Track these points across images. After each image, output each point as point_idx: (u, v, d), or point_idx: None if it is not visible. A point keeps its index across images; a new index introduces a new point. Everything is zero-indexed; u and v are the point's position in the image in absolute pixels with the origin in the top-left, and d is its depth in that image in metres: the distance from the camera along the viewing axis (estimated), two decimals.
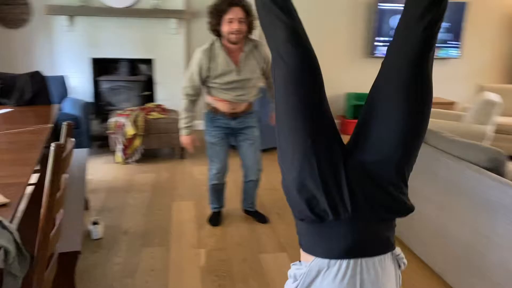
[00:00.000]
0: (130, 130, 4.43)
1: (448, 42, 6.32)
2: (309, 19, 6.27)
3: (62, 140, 1.73)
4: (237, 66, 2.74)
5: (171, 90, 5.85)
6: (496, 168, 2.25)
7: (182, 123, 2.95)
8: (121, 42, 5.58)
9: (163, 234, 3.05)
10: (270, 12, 1.23)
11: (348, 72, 6.24)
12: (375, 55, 6.13)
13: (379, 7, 5.97)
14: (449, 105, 5.98)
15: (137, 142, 4.51)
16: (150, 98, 5.80)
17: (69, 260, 1.86)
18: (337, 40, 6.16)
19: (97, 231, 2.92)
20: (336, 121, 6.33)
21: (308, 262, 1.18)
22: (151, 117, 4.63)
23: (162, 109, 4.90)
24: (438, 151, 2.55)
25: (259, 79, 2.89)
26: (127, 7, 5.43)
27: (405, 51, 1.12)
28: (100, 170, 4.30)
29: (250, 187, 3.19)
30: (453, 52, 6.36)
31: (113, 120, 4.50)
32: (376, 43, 6.09)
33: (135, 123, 4.48)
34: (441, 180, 2.48)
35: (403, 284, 2.49)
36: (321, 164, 1.13)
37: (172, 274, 2.56)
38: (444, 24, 6.22)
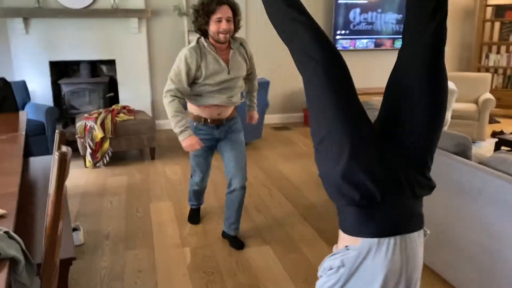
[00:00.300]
0: (98, 133, 4.36)
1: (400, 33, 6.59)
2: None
3: (56, 148, 1.72)
4: (227, 65, 2.65)
5: (135, 91, 5.78)
6: (463, 153, 2.42)
7: (177, 127, 2.57)
8: (81, 43, 5.45)
9: (145, 235, 3.05)
10: (286, 15, 1.28)
11: None
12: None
13: (338, 1, 6.14)
14: None
15: (106, 145, 4.44)
16: (113, 99, 5.71)
17: (64, 266, 1.85)
18: None
19: (78, 237, 2.88)
20: (301, 114, 6.54)
21: (357, 245, 1.24)
22: (119, 119, 4.57)
23: (129, 110, 4.84)
24: None
25: (243, 78, 2.83)
26: (85, 8, 5.30)
27: (423, 48, 1.25)
28: (71, 176, 4.20)
29: (234, 200, 2.85)
30: None
31: (80, 123, 4.41)
32: (337, 37, 6.27)
33: (103, 126, 4.41)
34: None
35: None
36: (366, 155, 1.22)
37: (160, 274, 2.58)
38: (397, 16, 6.49)
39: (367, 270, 1.23)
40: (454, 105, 4.77)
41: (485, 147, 4.98)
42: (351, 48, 6.42)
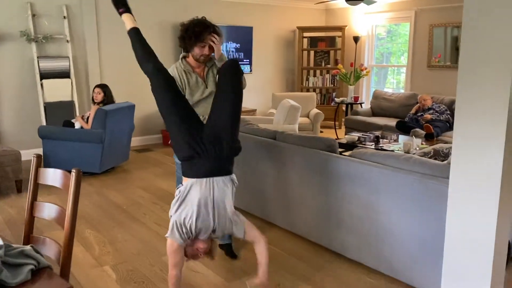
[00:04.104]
0: None
1: (242, 60, 7.52)
2: (121, 42, 6.59)
3: (33, 171, 1.80)
4: (204, 81, 2.88)
5: None
6: (333, 151, 3.20)
7: None
8: None
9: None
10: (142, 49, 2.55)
11: None
12: None
13: None
14: (252, 112, 7.15)
15: None
16: None
17: None
18: None
19: None
20: (159, 135, 6.81)
21: (186, 182, 2.34)
22: None
23: None
24: (289, 145, 3.39)
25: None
26: None
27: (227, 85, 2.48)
28: None
29: None
30: (246, 68, 7.59)
31: None
32: None
33: None
34: (297, 165, 3.32)
35: (279, 248, 3.24)
36: (190, 133, 2.33)
37: None
38: (235, 45, 7.38)
39: (190, 196, 2.31)
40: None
41: None
42: None
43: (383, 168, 2.77)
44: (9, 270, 1.32)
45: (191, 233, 2.32)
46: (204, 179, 2.30)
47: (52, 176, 1.73)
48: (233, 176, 2.42)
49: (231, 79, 2.45)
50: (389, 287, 2.76)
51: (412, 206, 2.62)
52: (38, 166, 1.79)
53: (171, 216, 2.38)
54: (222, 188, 2.34)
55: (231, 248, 3.20)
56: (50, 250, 1.73)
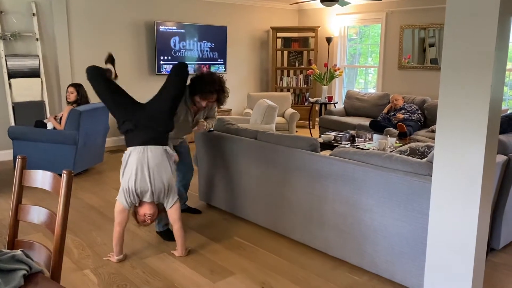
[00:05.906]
0: None
1: (217, 60, 7.48)
2: (92, 41, 6.43)
3: (17, 173, 1.73)
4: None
5: None
6: (315, 150, 3.23)
7: None
8: None
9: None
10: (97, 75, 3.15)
11: (137, 88, 6.62)
12: (162, 72, 6.73)
13: (159, 29, 6.59)
14: (227, 112, 7.13)
15: None
16: None
17: None
18: (124, 59, 6.47)
19: None
20: None
21: (127, 150, 2.96)
22: None
23: None
24: (271, 145, 3.40)
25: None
26: None
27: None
28: None
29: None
30: (220, 67, 7.56)
31: None
32: (161, 62, 6.70)
33: None
34: (280, 164, 3.33)
35: (262, 247, 3.25)
36: (127, 116, 2.98)
37: None
38: (210, 44, 7.34)
39: (130, 161, 2.92)
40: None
41: None
42: None
43: (366, 166, 2.82)
44: (1, 276, 1.27)
45: (134, 195, 2.89)
46: (140, 147, 2.90)
47: (41, 178, 1.67)
48: (167, 147, 3.00)
49: (174, 76, 3.09)
50: (372, 283, 2.81)
51: (394, 204, 2.68)
52: (23, 168, 1.72)
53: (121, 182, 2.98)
54: (156, 156, 2.92)
55: (170, 232, 3.39)
56: (38, 255, 1.66)
